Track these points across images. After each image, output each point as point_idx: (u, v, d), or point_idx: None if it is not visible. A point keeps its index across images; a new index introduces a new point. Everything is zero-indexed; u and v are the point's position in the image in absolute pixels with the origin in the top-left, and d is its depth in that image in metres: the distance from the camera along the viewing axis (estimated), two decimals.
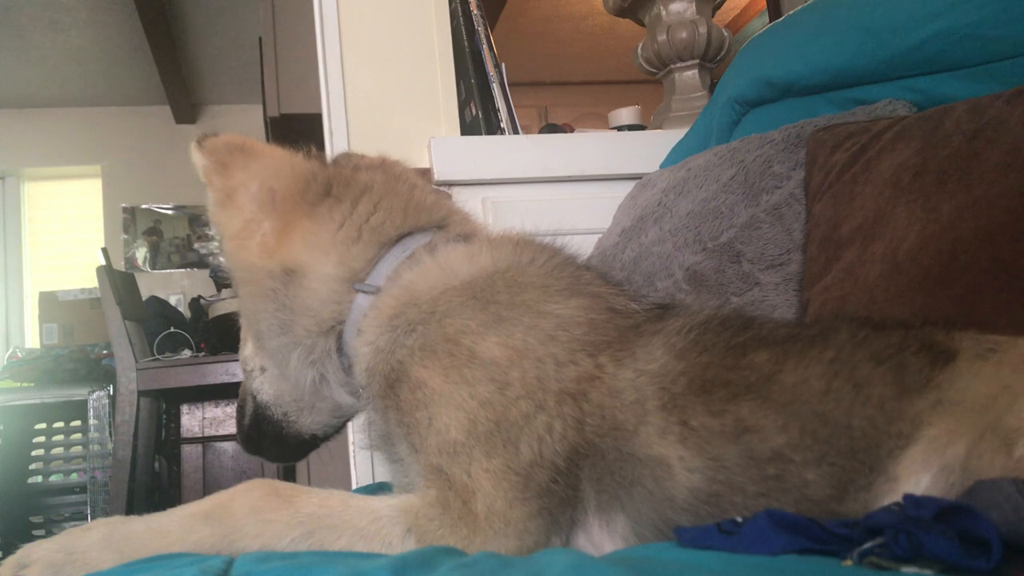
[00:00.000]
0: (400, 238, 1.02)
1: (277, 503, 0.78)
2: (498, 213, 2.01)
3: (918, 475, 0.67)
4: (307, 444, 1.14)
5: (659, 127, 2.37)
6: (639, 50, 2.46)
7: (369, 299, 0.98)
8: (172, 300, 5.90)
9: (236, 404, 1.19)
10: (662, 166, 1.93)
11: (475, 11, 2.21)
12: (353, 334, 0.98)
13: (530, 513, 0.78)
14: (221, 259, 1.13)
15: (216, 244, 7.22)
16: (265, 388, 1.11)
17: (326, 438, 1.15)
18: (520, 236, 1.04)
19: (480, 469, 0.78)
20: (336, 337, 1.00)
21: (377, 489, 1.16)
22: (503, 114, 2.14)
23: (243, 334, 1.13)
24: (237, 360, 1.22)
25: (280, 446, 1.13)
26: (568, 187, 2.08)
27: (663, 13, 2.40)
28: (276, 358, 1.04)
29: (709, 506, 0.75)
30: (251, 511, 0.77)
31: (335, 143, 2.06)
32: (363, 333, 0.96)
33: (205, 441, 4.15)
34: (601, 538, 0.80)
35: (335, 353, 1.01)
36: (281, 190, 1.02)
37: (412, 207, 1.07)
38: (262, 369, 1.10)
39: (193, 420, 4.15)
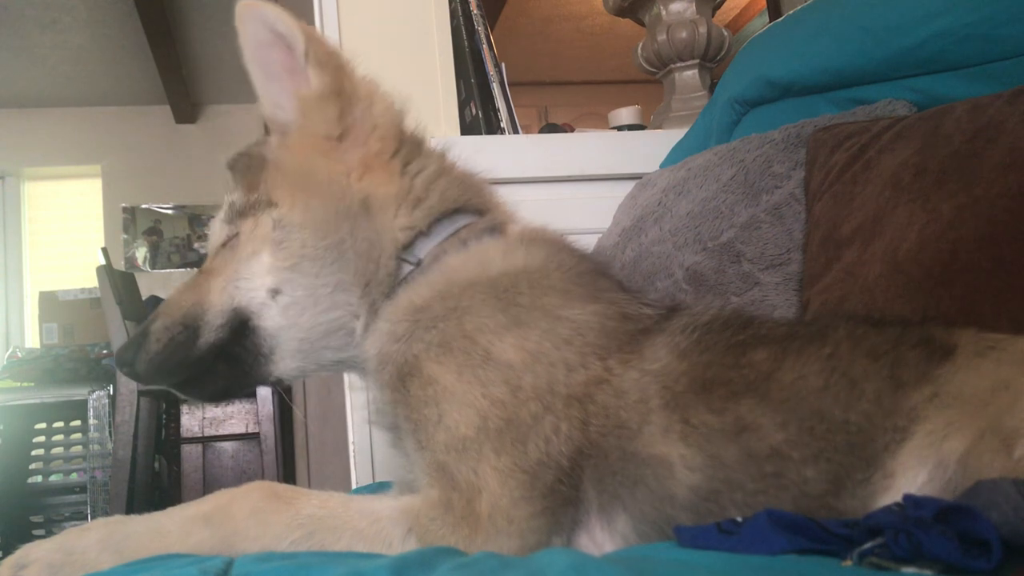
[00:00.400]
0: (453, 212, 1.01)
1: (277, 505, 0.78)
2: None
3: (914, 470, 0.67)
4: (253, 386, 1.02)
5: (659, 127, 2.37)
6: (639, 50, 2.46)
7: (407, 270, 0.97)
8: None
9: (167, 318, 0.95)
10: (662, 166, 1.93)
11: (475, 11, 2.21)
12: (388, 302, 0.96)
13: (534, 513, 0.78)
14: (275, 151, 1.01)
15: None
16: (274, 315, 0.95)
17: (286, 383, 1.04)
18: (554, 237, 1.03)
19: (488, 467, 0.78)
20: (384, 295, 0.97)
21: (377, 489, 1.16)
22: (503, 114, 2.14)
23: (249, 243, 0.97)
24: None
25: (231, 385, 0.99)
26: (568, 187, 2.08)
27: (663, 13, 2.40)
28: (313, 290, 0.95)
29: (709, 503, 0.75)
30: (251, 513, 0.77)
31: None
32: (393, 309, 0.94)
33: (205, 441, 4.15)
34: (603, 537, 0.81)
35: (377, 309, 0.97)
36: (393, 120, 1.02)
37: (468, 181, 1.06)
38: (274, 292, 0.95)
39: (193, 420, 4.15)
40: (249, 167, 1.02)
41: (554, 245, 1.00)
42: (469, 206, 1.03)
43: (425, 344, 0.87)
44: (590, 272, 0.96)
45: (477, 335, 0.85)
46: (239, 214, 1.00)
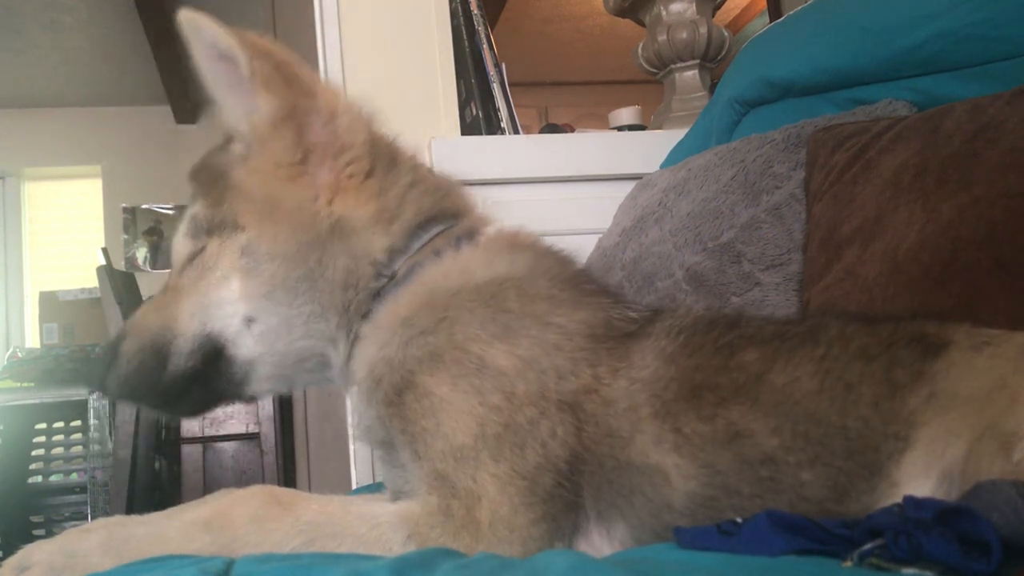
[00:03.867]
0: (426, 222, 0.98)
1: (277, 511, 0.77)
2: (498, 213, 2.01)
3: (919, 480, 0.67)
4: (226, 403, 1.01)
5: (659, 127, 2.37)
6: (639, 50, 2.46)
7: (381, 284, 0.94)
8: None
9: (137, 339, 0.94)
10: (662, 166, 1.93)
11: (475, 11, 2.21)
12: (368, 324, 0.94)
13: (534, 519, 0.77)
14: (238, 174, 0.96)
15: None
16: (249, 344, 0.93)
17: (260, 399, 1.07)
18: (534, 240, 1.01)
19: (487, 474, 0.77)
20: (361, 315, 0.94)
21: (377, 489, 1.16)
22: (503, 114, 2.14)
23: (216, 265, 0.94)
24: None
25: (204, 405, 0.99)
26: (568, 187, 2.08)
27: (663, 13, 2.40)
28: (287, 319, 0.93)
29: (706, 509, 0.75)
30: (251, 520, 0.76)
31: None
32: (376, 328, 0.92)
33: (205, 441, 4.16)
34: (601, 543, 0.80)
35: (353, 337, 0.95)
36: (362, 133, 0.97)
37: (441, 187, 1.02)
38: (248, 320, 0.93)
39: (193, 420, 4.15)
40: (212, 181, 0.98)
41: (537, 250, 0.98)
42: (442, 213, 1.00)
43: (417, 358, 0.85)
44: (574, 277, 0.95)
45: (469, 344, 0.84)
46: (204, 230, 0.96)
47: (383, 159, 0.99)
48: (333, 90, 0.98)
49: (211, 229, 0.95)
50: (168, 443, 4.16)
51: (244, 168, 0.96)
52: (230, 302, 0.93)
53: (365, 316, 0.94)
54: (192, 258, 0.96)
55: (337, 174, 0.95)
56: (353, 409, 0.98)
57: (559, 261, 0.98)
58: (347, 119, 0.97)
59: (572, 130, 2.49)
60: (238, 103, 0.95)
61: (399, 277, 0.95)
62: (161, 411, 1.02)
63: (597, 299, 0.92)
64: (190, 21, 0.92)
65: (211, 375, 0.95)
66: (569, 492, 0.79)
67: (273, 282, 0.93)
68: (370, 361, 0.91)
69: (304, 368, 0.98)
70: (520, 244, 0.99)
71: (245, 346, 0.94)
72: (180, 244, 0.99)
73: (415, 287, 0.93)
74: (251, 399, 1.01)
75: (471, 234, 1.00)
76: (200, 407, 1.01)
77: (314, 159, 0.95)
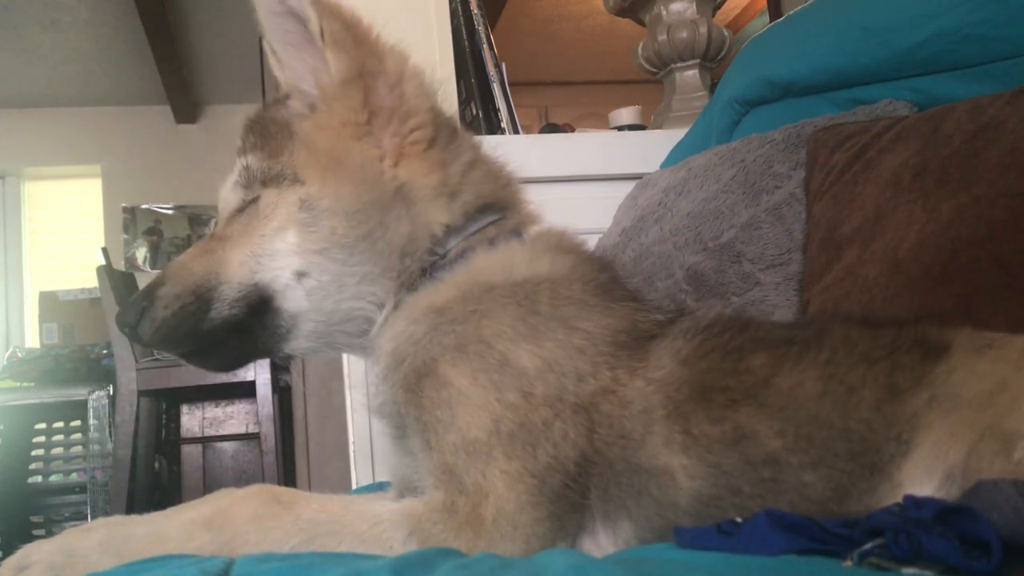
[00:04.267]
0: (483, 207, 0.98)
1: (278, 510, 0.77)
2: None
3: (922, 482, 0.67)
4: (260, 359, 1.01)
5: (659, 127, 2.37)
6: (639, 50, 2.46)
7: (431, 261, 0.94)
8: None
9: (178, 284, 0.92)
10: (662, 166, 1.93)
11: (475, 11, 2.21)
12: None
13: (538, 518, 0.77)
14: (302, 126, 0.97)
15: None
16: (298, 298, 0.92)
17: (294, 359, 1.02)
18: (577, 244, 1.01)
19: (497, 470, 0.77)
20: (408, 288, 0.93)
21: (377, 489, 1.16)
22: (503, 114, 2.14)
23: (272, 216, 0.92)
24: None
25: (238, 358, 0.97)
26: (568, 187, 2.08)
27: (663, 13, 2.40)
28: (340, 277, 0.92)
29: (710, 508, 0.75)
30: (252, 519, 0.76)
31: None
32: (413, 305, 0.92)
33: (205, 441, 4.15)
34: (606, 541, 0.81)
35: (399, 301, 0.94)
36: (426, 101, 0.97)
37: (499, 175, 1.02)
38: (300, 274, 0.92)
39: (193, 420, 4.15)
40: (272, 133, 0.96)
41: (579, 254, 0.98)
42: (499, 203, 1.00)
43: (442, 347, 0.85)
44: (608, 283, 0.95)
45: (494, 340, 0.84)
46: (258, 180, 0.94)
47: (445, 131, 0.99)
48: (401, 54, 0.98)
49: (267, 180, 0.94)
50: (168, 443, 4.16)
51: (310, 123, 0.95)
52: (283, 254, 0.92)
53: (411, 290, 0.94)
54: (242, 208, 0.95)
55: (401, 139, 0.95)
56: (370, 381, 0.98)
57: (597, 266, 0.97)
58: (413, 85, 0.97)
59: (572, 130, 2.49)
60: (303, 61, 0.95)
61: (450, 257, 0.94)
62: (193, 361, 0.96)
63: (626, 304, 0.91)
64: None
65: (253, 326, 0.93)
66: (576, 493, 0.79)
67: (332, 239, 0.91)
68: (398, 339, 0.90)
69: (346, 331, 0.97)
70: (564, 246, 0.99)
71: (293, 299, 0.93)
72: (229, 194, 0.98)
73: (460, 273, 0.93)
74: (286, 357, 0.98)
75: (520, 230, 1.00)
76: (234, 360, 0.98)
77: (379, 122, 0.95)
